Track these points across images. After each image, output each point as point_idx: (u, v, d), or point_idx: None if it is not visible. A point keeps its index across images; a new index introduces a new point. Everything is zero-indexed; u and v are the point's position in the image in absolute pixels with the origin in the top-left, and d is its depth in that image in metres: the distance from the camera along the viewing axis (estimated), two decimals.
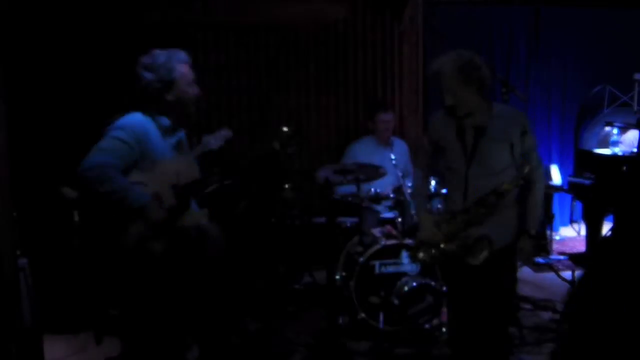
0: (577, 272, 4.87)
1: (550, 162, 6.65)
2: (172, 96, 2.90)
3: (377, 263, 4.04)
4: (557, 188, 6.15)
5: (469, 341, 3.03)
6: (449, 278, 3.17)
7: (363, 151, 5.03)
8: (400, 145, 5.26)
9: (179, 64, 2.94)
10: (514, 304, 3.00)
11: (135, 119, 2.86)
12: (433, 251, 2.88)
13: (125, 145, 2.78)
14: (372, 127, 5.18)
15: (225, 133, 4.09)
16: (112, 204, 2.75)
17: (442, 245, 2.85)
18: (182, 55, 2.97)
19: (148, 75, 2.86)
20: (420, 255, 2.93)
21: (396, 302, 3.92)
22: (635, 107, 6.31)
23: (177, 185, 2.91)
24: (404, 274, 4.03)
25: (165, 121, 2.93)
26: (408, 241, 4.06)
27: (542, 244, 5.97)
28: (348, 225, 4.64)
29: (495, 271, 2.87)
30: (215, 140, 4.02)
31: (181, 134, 3.06)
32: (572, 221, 6.94)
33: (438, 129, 2.97)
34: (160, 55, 2.91)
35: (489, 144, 2.84)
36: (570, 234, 6.78)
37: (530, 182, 2.88)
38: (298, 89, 5.85)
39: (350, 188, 4.72)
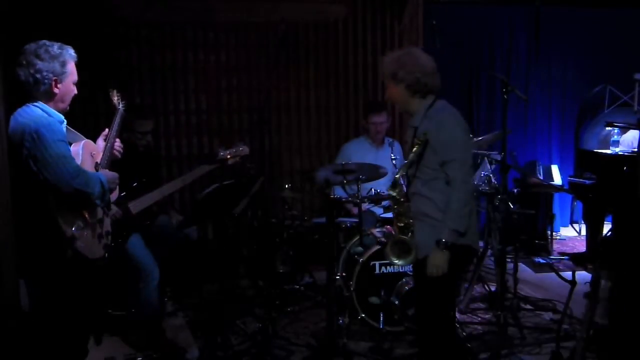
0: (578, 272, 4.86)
1: (551, 162, 6.65)
2: (59, 90, 2.83)
3: (377, 263, 4.03)
4: (557, 188, 6.14)
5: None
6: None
7: (356, 151, 5.03)
8: (394, 145, 5.25)
9: (70, 60, 2.88)
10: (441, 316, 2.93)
11: (46, 114, 2.80)
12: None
13: (68, 145, 2.79)
14: (365, 127, 5.19)
15: (242, 149, 4.08)
16: (95, 200, 2.80)
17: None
18: (72, 51, 2.90)
19: (41, 65, 2.77)
20: None
21: (396, 302, 3.92)
22: (636, 107, 6.31)
23: (97, 165, 3.00)
24: (404, 274, 4.02)
25: (58, 115, 2.85)
26: None
27: (542, 244, 5.98)
28: (348, 225, 4.64)
29: (421, 277, 2.89)
30: (230, 155, 4.03)
31: (64, 121, 2.98)
32: (572, 221, 6.94)
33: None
34: (53, 46, 2.82)
35: (418, 145, 2.84)
36: (570, 234, 6.78)
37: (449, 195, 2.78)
38: (298, 88, 5.85)
39: (347, 191, 4.72)
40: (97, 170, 2.96)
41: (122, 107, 3.26)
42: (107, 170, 2.99)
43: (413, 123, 2.94)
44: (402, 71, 2.87)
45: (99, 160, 3.04)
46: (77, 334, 2.99)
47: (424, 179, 2.85)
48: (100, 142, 3.17)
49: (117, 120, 3.20)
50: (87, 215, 2.84)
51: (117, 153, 3.15)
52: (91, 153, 3.01)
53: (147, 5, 5.30)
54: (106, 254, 2.97)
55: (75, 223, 2.77)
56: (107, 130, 3.14)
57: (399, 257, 2.87)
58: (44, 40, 2.83)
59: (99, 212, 2.95)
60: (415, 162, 2.83)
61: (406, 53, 2.95)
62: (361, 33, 5.94)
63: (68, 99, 2.90)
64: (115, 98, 3.30)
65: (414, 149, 2.79)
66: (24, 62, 2.77)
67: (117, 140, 3.17)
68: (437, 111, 2.88)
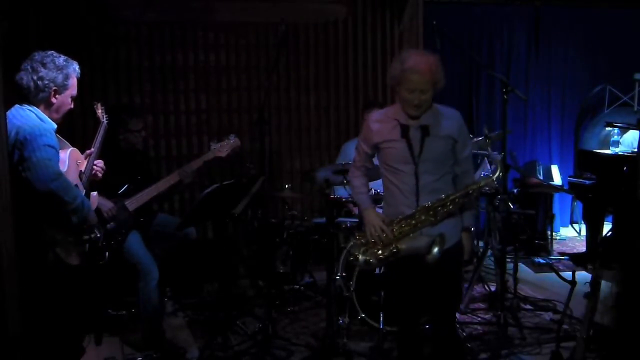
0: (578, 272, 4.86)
1: (551, 162, 6.65)
2: (57, 100, 2.89)
3: None
4: (557, 188, 6.14)
5: (415, 337, 3.09)
6: (396, 275, 3.07)
7: (354, 151, 5.05)
8: None
9: (74, 74, 2.94)
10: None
11: (39, 119, 2.84)
12: (380, 252, 2.89)
13: (55, 150, 2.83)
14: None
15: (233, 142, 4.10)
16: (70, 212, 2.84)
17: (394, 245, 2.88)
18: (77, 67, 2.96)
19: (44, 73, 2.83)
20: (363, 257, 2.92)
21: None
22: (636, 107, 6.32)
23: (82, 173, 3.04)
24: None
25: (51, 123, 2.89)
26: None
27: (542, 244, 5.97)
28: (348, 225, 4.63)
29: (446, 268, 2.92)
30: (222, 148, 4.05)
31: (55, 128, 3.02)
32: (572, 221, 6.94)
33: (379, 131, 2.97)
34: (60, 58, 2.90)
35: (435, 141, 2.89)
36: (570, 234, 6.78)
37: (464, 182, 2.97)
38: (298, 88, 5.85)
39: (346, 191, 4.72)
40: (81, 179, 3.03)
41: (106, 120, 3.30)
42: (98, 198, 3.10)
43: (423, 122, 2.89)
44: (441, 76, 2.89)
45: (83, 169, 3.07)
46: (65, 336, 3.01)
47: (438, 174, 2.91)
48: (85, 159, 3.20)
49: (100, 132, 3.25)
50: (67, 223, 2.87)
51: (97, 174, 3.18)
52: (77, 161, 3.05)
53: (147, 5, 5.30)
54: (85, 261, 2.99)
55: (58, 229, 2.81)
56: (91, 149, 3.17)
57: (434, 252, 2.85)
58: (52, 51, 2.90)
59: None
60: (431, 159, 2.88)
61: (434, 56, 2.91)
62: (361, 33, 5.94)
63: (63, 111, 2.96)
64: (100, 111, 3.34)
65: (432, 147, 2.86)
66: (29, 68, 2.84)
67: (101, 161, 3.20)
68: (443, 109, 2.96)
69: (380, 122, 2.97)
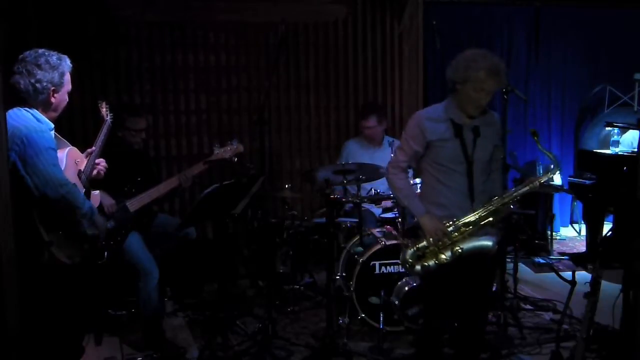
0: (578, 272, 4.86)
1: (551, 162, 6.64)
2: (55, 99, 2.86)
3: (377, 263, 4.04)
4: (557, 188, 6.14)
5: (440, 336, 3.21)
6: (444, 276, 3.04)
7: (354, 150, 5.09)
8: (394, 144, 5.25)
9: (67, 70, 2.91)
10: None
11: (36, 119, 2.82)
12: (442, 255, 2.92)
13: (55, 151, 2.81)
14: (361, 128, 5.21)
15: (236, 147, 4.10)
16: (80, 217, 2.84)
17: (457, 246, 2.91)
18: (69, 61, 2.92)
19: (41, 75, 2.79)
20: (420, 264, 2.94)
21: (396, 302, 3.92)
22: (636, 107, 6.31)
23: (80, 172, 3.02)
24: (404, 274, 4.02)
25: (48, 123, 2.87)
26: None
27: (542, 244, 5.97)
28: (348, 225, 4.64)
29: (491, 268, 3.16)
30: (225, 153, 4.05)
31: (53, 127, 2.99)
32: (572, 221, 6.94)
33: (434, 129, 2.96)
34: (53, 56, 2.85)
35: (484, 143, 3.00)
36: (570, 234, 6.77)
37: (494, 183, 3.14)
38: (298, 89, 5.85)
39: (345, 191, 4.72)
40: (80, 178, 3.01)
41: (110, 119, 3.29)
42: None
43: (475, 122, 2.99)
44: (507, 79, 3.07)
45: (82, 168, 3.05)
46: (64, 336, 3.01)
47: (486, 175, 3.04)
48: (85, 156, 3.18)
49: (103, 131, 3.23)
50: (66, 223, 2.85)
51: (100, 172, 3.17)
52: (75, 160, 3.02)
53: (147, 5, 5.30)
54: (85, 259, 2.98)
55: (55, 228, 2.79)
56: (92, 148, 3.15)
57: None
58: (42, 50, 2.85)
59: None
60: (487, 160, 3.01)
61: (501, 59, 3.02)
62: (361, 33, 5.94)
63: (61, 108, 2.94)
64: (104, 109, 3.31)
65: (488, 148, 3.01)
66: (24, 71, 2.79)
67: (103, 160, 3.19)
68: (492, 115, 3.09)
69: (433, 121, 2.98)
